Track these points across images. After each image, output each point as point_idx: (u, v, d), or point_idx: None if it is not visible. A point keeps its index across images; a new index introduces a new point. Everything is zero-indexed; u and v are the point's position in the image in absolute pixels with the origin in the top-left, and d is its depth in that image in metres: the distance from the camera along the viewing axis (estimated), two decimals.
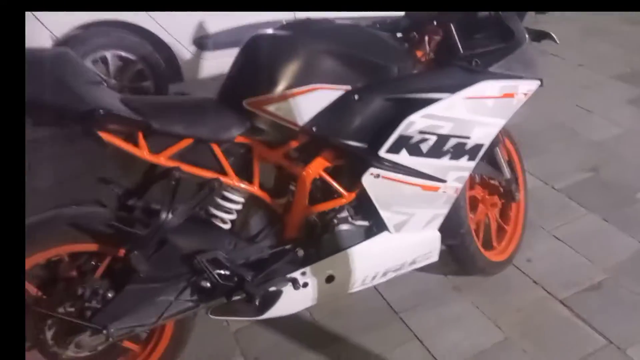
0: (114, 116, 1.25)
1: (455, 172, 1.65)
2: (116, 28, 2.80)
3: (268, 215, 1.62)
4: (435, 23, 1.66)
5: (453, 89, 1.54)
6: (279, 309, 1.59)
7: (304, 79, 1.45)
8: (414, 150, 1.54)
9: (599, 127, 3.14)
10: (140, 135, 1.34)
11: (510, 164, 2.01)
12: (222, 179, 1.46)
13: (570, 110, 3.34)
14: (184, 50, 2.98)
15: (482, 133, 1.63)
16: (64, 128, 1.32)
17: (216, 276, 1.46)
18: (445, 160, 1.60)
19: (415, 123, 1.50)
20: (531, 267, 2.14)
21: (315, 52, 1.46)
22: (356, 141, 1.51)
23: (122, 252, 1.42)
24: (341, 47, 1.50)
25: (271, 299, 1.58)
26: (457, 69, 1.59)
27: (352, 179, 1.59)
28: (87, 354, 1.46)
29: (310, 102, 1.46)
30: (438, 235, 1.77)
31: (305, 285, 1.59)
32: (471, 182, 1.96)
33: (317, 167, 1.55)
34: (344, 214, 1.64)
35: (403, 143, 1.52)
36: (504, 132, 1.94)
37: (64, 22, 2.66)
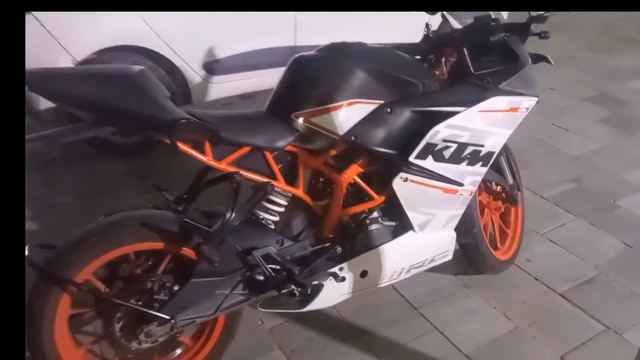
0: (194, 124, 1.42)
1: (471, 177, 1.86)
2: (131, 53, 2.94)
3: (308, 216, 1.79)
4: (449, 47, 1.90)
5: (470, 103, 1.76)
6: (320, 302, 1.76)
7: (343, 94, 1.65)
8: (438, 157, 1.75)
9: (577, 144, 3.44)
10: (207, 144, 1.51)
11: (511, 171, 2.24)
12: (273, 182, 1.63)
13: (548, 129, 3.64)
14: (194, 74, 3.15)
15: (494, 142, 1.85)
16: (144, 136, 1.47)
17: (269, 270, 1.62)
18: (464, 166, 1.81)
19: (439, 132, 1.71)
20: (531, 266, 2.36)
21: (353, 70, 1.67)
22: (389, 149, 1.71)
23: (184, 249, 1.57)
24: (375, 65, 1.70)
25: (313, 292, 1.74)
26: (471, 86, 1.82)
27: (382, 183, 1.79)
28: (149, 346, 1.60)
29: (349, 115, 1.66)
30: (454, 234, 1.98)
31: (343, 279, 1.76)
32: (479, 188, 2.17)
33: (352, 173, 1.74)
34: (375, 215, 1.83)
35: (429, 150, 1.72)
36: (505, 144, 2.17)
37: (84, 46, 2.80)
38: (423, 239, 1.89)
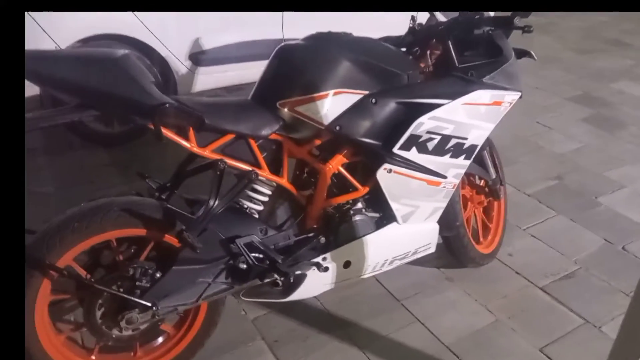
0: (178, 110, 1.41)
1: (454, 169, 1.87)
2: (116, 42, 2.91)
3: (293, 206, 1.80)
4: (434, 40, 1.91)
5: (453, 95, 1.78)
6: (302, 292, 1.76)
7: (329, 83, 1.65)
8: (422, 148, 1.76)
9: (560, 142, 3.49)
10: (191, 130, 1.50)
11: (494, 165, 2.26)
12: (258, 171, 1.63)
13: (532, 126, 3.68)
14: (179, 64, 3.13)
15: (477, 135, 1.86)
16: (127, 119, 1.46)
17: (252, 258, 1.62)
18: (447, 158, 1.83)
19: (423, 124, 1.72)
20: (512, 260, 2.39)
21: (339, 60, 1.67)
22: (373, 139, 1.72)
23: (166, 236, 1.56)
24: (361, 56, 1.71)
25: (296, 281, 1.74)
26: (455, 79, 1.83)
27: (366, 174, 1.80)
28: (131, 334, 1.59)
29: (334, 104, 1.66)
30: (437, 227, 1.99)
31: (326, 269, 1.76)
32: (462, 182, 2.19)
33: (337, 163, 1.75)
34: (359, 205, 1.83)
35: (413, 141, 1.73)
36: (488, 138, 2.19)
37: (68, 34, 2.77)
38: (406, 230, 1.91)
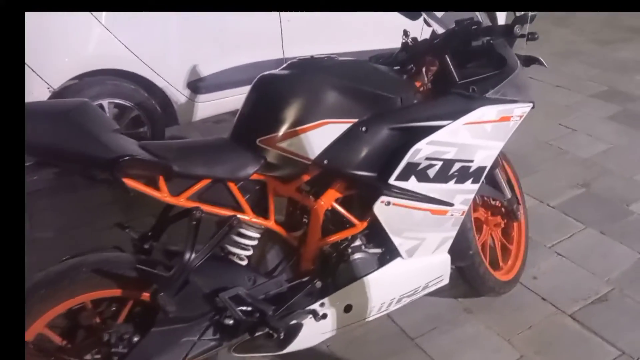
0: (139, 161, 1.28)
1: (461, 195, 1.70)
2: (111, 77, 2.84)
3: (284, 248, 1.65)
4: (430, 55, 1.75)
5: (454, 115, 1.61)
6: (300, 342, 1.61)
7: (313, 114, 1.50)
8: (422, 177, 1.60)
9: (585, 144, 3.25)
10: (161, 179, 1.38)
11: (509, 184, 2.07)
12: (240, 215, 1.49)
13: (554, 129, 3.46)
14: (178, 94, 3.03)
15: (484, 156, 1.69)
16: (87, 176, 1.34)
17: (239, 313, 1.48)
18: (452, 184, 1.66)
19: (421, 150, 1.56)
20: (537, 284, 2.19)
21: (322, 88, 1.53)
22: (366, 171, 1.56)
23: (145, 295, 1.43)
24: (346, 82, 1.56)
25: (292, 332, 1.59)
26: (456, 97, 1.67)
27: (363, 208, 1.64)
28: None
29: (320, 137, 1.51)
30: (448, 257, 1.82)
31: (324, 316, 1.61)
32: (474, 204, 2.01)
33: (329, 199, 1.60)
34: (357, 242, 1.67)
35: (411, 170, 1.57)
36: (501, 154, 2.01)
37: (60, 73, 2.70)
38: (413, 265, 1.74)
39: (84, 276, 1.37)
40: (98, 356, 1.40)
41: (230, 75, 3.12)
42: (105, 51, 2.76)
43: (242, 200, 1.51)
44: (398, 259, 1.71)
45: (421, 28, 2.59)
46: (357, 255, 1.66)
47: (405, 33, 1.86)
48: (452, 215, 1.72)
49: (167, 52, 2.90)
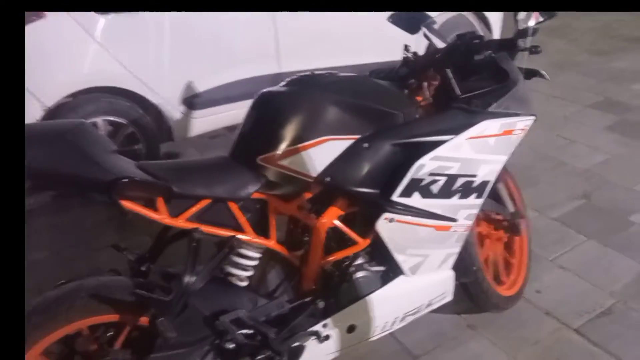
0: (137, 183, 1.25)
1: (465, 210, 1.68)
2: (105, 94, 2.81)
3: (285, 268, 1.62)
4: (432, 70, 1.73)
5: (457, 130, 1.59)
6: None
7: (314, 131, 1.48)
8: (426, 192, 1.57)
9: (584, 155, 3.24)
10: (160, 200, 1.34)
11: (511, 197, 2.05)
12: (240, 236, 1.46)
13: (553, 141, 3.45)
14: (173, 110, 3.00)
15: (488, 170, 1.67)
16: (85, 199, 1.31)
17: (240, 336, 1.44)
18: (455, 200, 1.63)
19: (425, 166, 1.53)
20: (541, 298, 2.16)
21: (323, 104, 1.50)
22: (369, 188, 1.54)
23: (143, 320, 1.39)
24: (347, 98, 1.54)
25: (295, 355, 1.55)
26: (458, 111, 1.64)
27: (366, 225, 1.61)
28: None
29: (322, 154, 1.49)
30: (452, 274, 1.79)
31: (327, 337, 1.57)
32: (477, 219, 1.98)
33: (331, 217, 1.57)
34: (360, 260, 1.64)
35: (415, 186, 1.54)
36: (503, 167, 1.98)
37: (54, 91, 2.67)
38: (416, 283, 1.71)
39: (82, 302, 1.33)
40: None
41: (226, 90, 3.10)
42: (99, 68, 2.74)
43: (242, 220, 1.47)
44: (401, 277, 1.68)
45: (418, 41, 2.57)
46: (360, 274, 1.63)
47: (406, 48, 1.84)
48: (456, 231, 1.69)
49: (162, 68, 2.88)
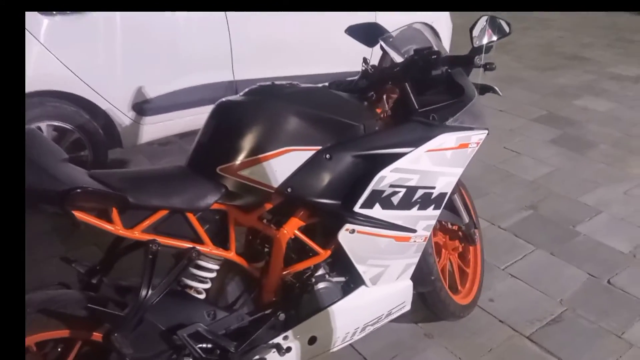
0: (90, 193, 1.19)
1: (424, 221, 1.69)
2: (50, 98, 2.68)
3: (244, 280, 1.58)
4: (391, 82, 1.74)
5: (416, 143, 1.60)
6: None
7: (275, 142, 1.46)
8: (386, 204, 1.57)
9: (530, 167, 3.36)
10: (115, 211, 1.29)
11: (466, 208, 2.09)
12: (199, 247, 1.41)
13: (500, 153, 3.56)
14: (122, 116, 2.90)
15: (445, 182, 1.69)
16: (36, 209, 1.23)
17: (199, 351, 1.39)
18: (415, 211, 1.64)
19: (386, 177, 1.54)
20: (494, 306, 2.21)
21: (285, 115, 1.48)
22: (330, 199, 1.53)
23: (96, 335, 1.33)
24: (308, 109, 1.52)
25: None
26: (416, 125, 1.66)
27: (327, 236, 1.60)
28: None
29: (283, 164, 1.47)
30: (410, 284, 1.80)
31: (288, 349, 1.55)
32: (433, 229, 2.01)
33: (292, 227, 1.54)
34: (321, 271, 1.63)
35: (376, 197, 1.55)
36: (458, 180, 2.02)
37: None
38: (377, 293, 1.71)
39: (30, 317, 1.25)
40: None
41: (179, 97, 3.04)
42: (43, 71, 2.60)
43: (201, 231, 1.43)
44: (362, 287, 1.67)
45: (372, 53, 2.60)
46: (321, 285, 1.62)
47: (365, 60, 1.85)
48: (415, 241, 1.70)
49: (111, 73, 2.79)
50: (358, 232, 1.57)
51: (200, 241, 1.43)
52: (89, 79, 2.71)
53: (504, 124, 3.98)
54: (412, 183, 1.60)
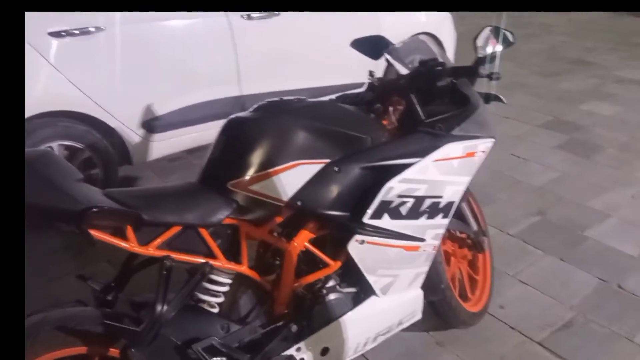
0: (106, 212, 1.22)
1: (433, 230, 1.71)
2: (61, 118, 2.73)
3: (257, 293, 1.60)
4: (397, 94, 1.77)
5: (423, 153, 1.63)
6: None
7: (284, 156, 1.48)
8: (395, 214, 1.59)
9: (537, 173, 3.37)
10: (129, 228, 1.31)
11: (474, 216, 2.10)
12: (212, 262, 1.44)
13: (507, 159, 3.57)
14: (132, 134, 2.95)
15: (453, 191, 1.71)
16: (53, 229, 1.27)
17: None
18: (423, 220, 1.66)
19: (394, 188, 1.56)
20: (505, 313, 2.21)
21: (293, 129, 1.51)
22: (340, 211, 1.55)
23: (113, 351, 1.35)
24: (316, 123, 1.55)
25: None
26: (423, 135, 1.68)
27: (337, 248, 1.62)
28: None
29: (293, 178, 1.49)
30: (421, 293, 1.82)
31: None
32: (443, 238, 2.02)
33: (303, 240, 1.57)
34: (332, 283, 1.65)
35: (384, 208, 1.57)
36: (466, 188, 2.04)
37: None
38: (387, 303, 1.72)
39: (48, 335, 1.28)
40: None
41: (187, 113, 3.08)
42: (54, 92, 2.65)
43: (213, 246, 1.46)
44: (373, 297, 1.69)
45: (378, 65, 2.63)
46: (332, 296, 1.64)
47: (371, 73, 1.88)
48: (424, 250, 1.72)
49: (120, 91, 2.83)
50: (368, 242, 1.59)
51: (213, 256, 1.45)
52: (99, 98, 2.76)
53: (510, 131, 4.00)
54: (420, 193, 1.62)
